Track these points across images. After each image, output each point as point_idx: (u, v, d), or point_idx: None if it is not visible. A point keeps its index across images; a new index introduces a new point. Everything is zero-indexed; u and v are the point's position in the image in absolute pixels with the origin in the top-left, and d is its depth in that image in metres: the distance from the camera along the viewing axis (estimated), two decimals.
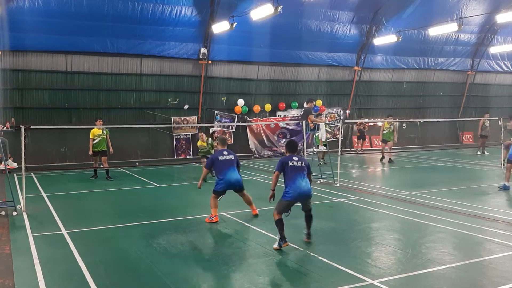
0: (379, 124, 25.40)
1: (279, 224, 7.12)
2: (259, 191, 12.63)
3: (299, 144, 21.64)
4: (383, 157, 19.20)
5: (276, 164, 7.43)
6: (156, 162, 18.28)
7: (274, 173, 7.37)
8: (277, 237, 7.12)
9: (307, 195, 7.28)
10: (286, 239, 7.06)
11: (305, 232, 7.55)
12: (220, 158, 8.97)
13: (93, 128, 14.73)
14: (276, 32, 19.91)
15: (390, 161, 18.89)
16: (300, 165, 7.32)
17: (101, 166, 15.22)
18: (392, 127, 19.31)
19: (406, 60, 24.96)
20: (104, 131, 14.93)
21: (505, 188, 11.98)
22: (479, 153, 22.05)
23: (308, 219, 7.53)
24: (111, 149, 15.05)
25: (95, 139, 14.81)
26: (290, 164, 7.27)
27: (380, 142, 20.39)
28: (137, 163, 18.78)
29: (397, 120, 25.43)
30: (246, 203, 9.36)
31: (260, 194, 12.06)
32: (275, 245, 7.04)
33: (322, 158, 17.96)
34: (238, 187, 9.14)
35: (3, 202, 9.99)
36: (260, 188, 13.36)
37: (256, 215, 9.22)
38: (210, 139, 15.91)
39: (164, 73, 20.17)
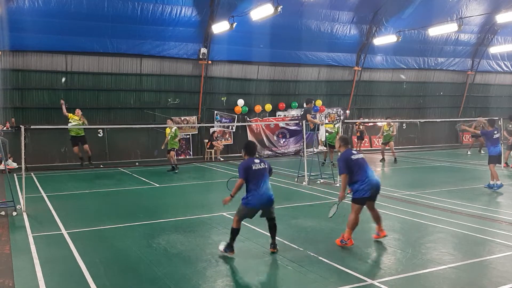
0: (379, 124, 25.47)
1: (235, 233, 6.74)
2: None
3: (299, 144, 21.86)
4: (383, 159, 19.18)
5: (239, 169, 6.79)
6: (156, 162, 18.26)
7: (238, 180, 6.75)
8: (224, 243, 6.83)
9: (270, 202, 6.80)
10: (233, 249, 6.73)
11: (270, 241, 6.97)
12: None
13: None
14: (276, 32, 19.92)
15: (395, 161, 18.86)
16: (263, 167, 6.80)
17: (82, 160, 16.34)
18: (391, 129, 19.33)
19: (406, 60, 24.97)
20: (81, 121, 16.02)
21: (490, 187, 12.00)
22: (482, 151, 22.05)
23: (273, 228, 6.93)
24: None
25: (71, 122, 15.88)
26: (253, 167, 6.70)
27: (380, 143, 20.36)
28: (137, 163, 18.78)
29: (397, 120, 25.45)
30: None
31: None
32: (221, 247, 6.81)
33: (325, 159, 18.01)
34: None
35: (3, 202, 9.98)
36: None
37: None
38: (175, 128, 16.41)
39: (164, 73, 20.18)
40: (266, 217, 6.95)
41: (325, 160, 17.48)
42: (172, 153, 16.47)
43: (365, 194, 7.04)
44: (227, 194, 6.94)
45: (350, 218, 7.15)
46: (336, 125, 18.16)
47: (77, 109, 16.45)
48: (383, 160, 19.14)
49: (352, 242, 7.11)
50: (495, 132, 12.29)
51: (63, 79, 18.52)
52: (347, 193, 7.36)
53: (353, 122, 23.64)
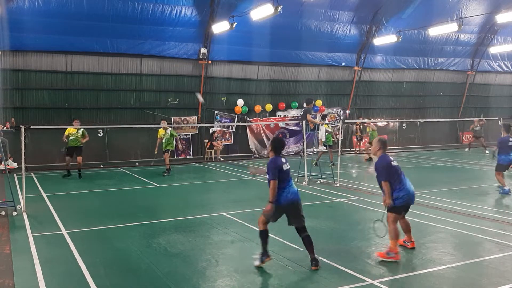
0: (379, 124, 25.49)
1: (263, 236, 6.33)
2: (259, 191, 12.64)
3: (299, 144, 21.85)
4: (370, 158, 19.18)
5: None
6: (156, 162, 18.25)
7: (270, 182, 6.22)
8: (259, 252, 6.39)
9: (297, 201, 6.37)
10: (269, 254, 6.35)
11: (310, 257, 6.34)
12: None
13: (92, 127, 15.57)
14: (276, 32, 19.92)
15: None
16: (289, 167, 6.50)
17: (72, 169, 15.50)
18: (372, 127, 19.70)
19: (406, 60, 24.97)
20: (80, 131, 15.14)
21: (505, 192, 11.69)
22: (487, 152, 22.07)
23: (307, 240, 6.35)
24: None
25: (70, 136, 15.09)
26: (284, 168, 6.37)
27: (366, 143, 20.45)
28: (137, 163, 18.78)
29: (396, 120, 25.48)
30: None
31: (260, 194, 12.07)
32: (257, 262, 6.32)
33: (317, 160, 17.85)
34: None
35: (3, 202, 9.98)
36: (260, 188, 13.37)
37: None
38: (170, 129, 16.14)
39: (164, 73, 20.17)
40: (296, 228, 6.41)
41: (317, 161, 17.23)
42: (167, 154, 16.04)
43: (404, 202, 6.65)
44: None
45: (391, 229, 6.60)
46: (330, 125, 18.24)
47: (75, 120, 15.50)
48: (370, 159, 19.13)
49: (399, 256, 6.56)
50: (510, 139, 11.68)
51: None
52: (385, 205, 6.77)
53: (353, 122, 23.62)
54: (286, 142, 22.85)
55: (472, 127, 23.33)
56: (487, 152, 21.94)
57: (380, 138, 7.22)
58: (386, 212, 6.72)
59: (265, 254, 6.29)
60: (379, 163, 6.77)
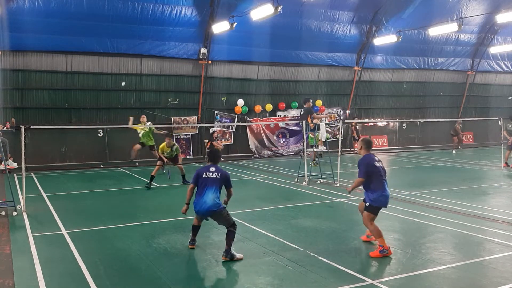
0: (379, 124, 25.50)
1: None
2: (259, 191, 12.67)
3: (299, 144, 21.83)
4: None
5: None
6: (156, 162, 18.23)
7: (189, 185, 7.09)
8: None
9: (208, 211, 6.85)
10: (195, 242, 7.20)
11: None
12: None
13: (138, 124, 16.30)
14: (276, 32, 19.92)
15: None
16: (215, 177, 6.86)
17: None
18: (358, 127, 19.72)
19: (406, 60, 24.96)
20: (148, 125, 16.20)
21: None
22: (454, 151, 23.39)
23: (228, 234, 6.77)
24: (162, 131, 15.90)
25: (140, 132, 16.18)
26: (204, 175, 6.90)
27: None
28: (137, 163, 18.77)
29: (396, 120, 25.47)
30: None
31: (260, 194, 12.09)
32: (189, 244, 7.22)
33: (314, 160, 17.77)
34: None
35: (3, 202, 9.99)
36: (260, 188, 13.38)
37: None
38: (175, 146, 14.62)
39: (164, 73, 20.17)
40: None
41: (314, 160, 17.07)
42: (155, 151, 15.93)
43: (382, 205, 6.92)
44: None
45: (372, 229, 6.87)
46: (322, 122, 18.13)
47: (142, 116, 16.68)
48: None
49: (391, 251, 6.79)
50: None
51: (123, 83, 19.25)
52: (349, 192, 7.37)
53: (349, 122, 23.56)
54: (286, 142, 22.87)
55: (456, 127, 24.84)
56: (454, 152, 22.93)
57: (364, 137, 7.49)
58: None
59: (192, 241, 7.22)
60: (361, 160, 7.01)
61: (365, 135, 24.45)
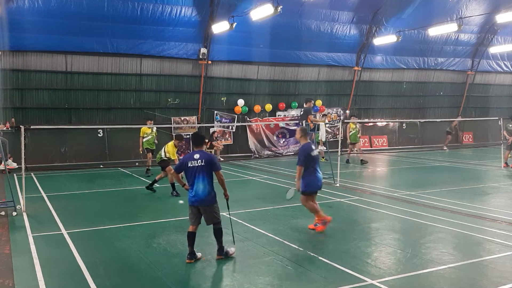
0: (379, 124, 25.48)
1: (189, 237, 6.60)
2: (259, 191, 12.66)
3: (299, 144, 21.78)
4: (347, 160, 18.78)
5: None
6: (156, 162, 18.24)
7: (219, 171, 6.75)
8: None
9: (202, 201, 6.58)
10: (195, 256, 6.55)
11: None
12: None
13: (142, 127, 16.20)
14: (276, 32, 19.90)
15: (362, 162, 18.57)
16: (199, 164, 6.56)
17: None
18: (357, 127, 19.36)
19: (406, 60, 24.95)
20: (154, 129, 16.22)
21: None
22: (445, 148, 24.32)
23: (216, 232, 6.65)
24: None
25: (145, 136, 15.93)
26: (189, 164, 6.57)
27: (348, 143, 19.88)
28: (137, 163, 18.78)
29: (396, 120, 25.45)
30: None
31: (260, 194, 12.09)
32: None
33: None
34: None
35: (3, 202, 9.99)
36: (260, 188, 13.38)
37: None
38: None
39: (164, 73, 20.16)
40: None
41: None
42: (150, 154, 15.93)
43: (316, 188, 7.96)
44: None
45: (309, 207, 7.87)
46: (357, 125, 18.09)
47: (149, 121, 16.52)
48: (348, 161, 18.75)
49: (329, 217, 7.97)
50: None
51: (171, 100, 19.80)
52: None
53: (347, 123, 23.48)
54: (286, 142, 22.88)
55: (453, 126, 25.46)
56: (445, 148, 23.86)
57: (302, 127, 8.37)
58: (294, 189, 8.18)
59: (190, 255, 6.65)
60: (301, 149, 7.85)
61: (365, 135, 24.51)
